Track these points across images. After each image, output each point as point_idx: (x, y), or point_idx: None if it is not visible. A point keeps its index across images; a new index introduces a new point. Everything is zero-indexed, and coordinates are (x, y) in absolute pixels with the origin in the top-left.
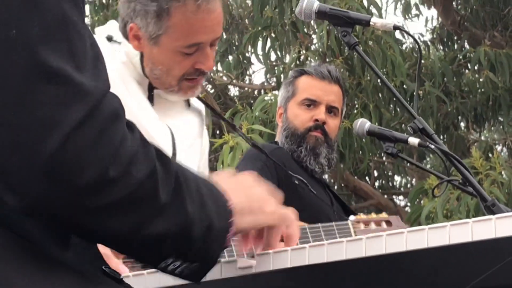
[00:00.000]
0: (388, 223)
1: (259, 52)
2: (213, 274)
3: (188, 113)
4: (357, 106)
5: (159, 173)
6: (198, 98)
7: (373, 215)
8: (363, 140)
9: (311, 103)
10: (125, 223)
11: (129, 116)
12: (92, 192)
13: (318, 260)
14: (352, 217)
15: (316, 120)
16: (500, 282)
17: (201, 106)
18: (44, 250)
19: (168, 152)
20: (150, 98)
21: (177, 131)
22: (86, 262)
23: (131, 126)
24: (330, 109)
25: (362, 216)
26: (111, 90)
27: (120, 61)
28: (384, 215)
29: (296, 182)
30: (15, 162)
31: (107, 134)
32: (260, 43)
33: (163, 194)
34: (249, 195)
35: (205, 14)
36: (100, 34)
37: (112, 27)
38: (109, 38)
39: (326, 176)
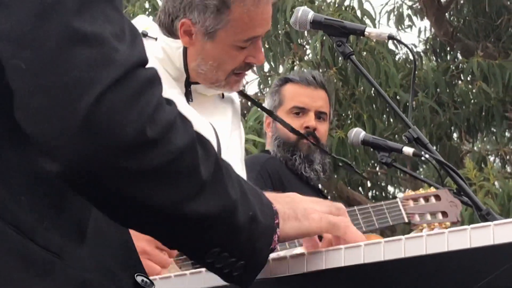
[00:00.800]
0: (437, 197)
1: None
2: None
3: (223, 105)
4: (351, 116)
5: (199, 150)
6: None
7: (421, 191)
8: (357, 150)
9: (299, 111)
10: (164, 195)
11: None
12: (129, 153)
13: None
14: (400, 195)
15: (307, 127)
16: None
17: (233, 94)
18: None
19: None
20: (187, 95)
21: (218, 128)
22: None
23: (169, 100)
24: (319, 115)
25: (410, 192)
26: None
27: (156, 57)
28: (432, 189)
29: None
30: (52, 125)
31: (143, 95)
32: None
33: (204, 171)
34: (293, 203)
35: (264, 6)
36: None
37: (144, 22)
38: (144, 34)
39: (320, 186)
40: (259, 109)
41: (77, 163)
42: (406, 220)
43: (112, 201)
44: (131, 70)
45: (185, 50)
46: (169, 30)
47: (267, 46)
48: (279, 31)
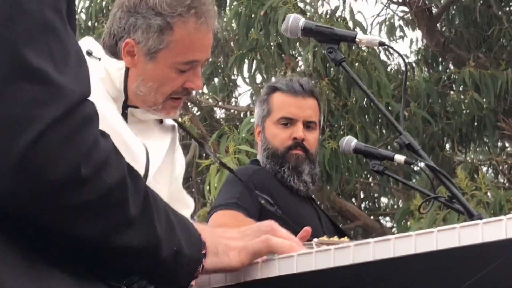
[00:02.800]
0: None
1: (245, 74)
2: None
3: (161, 130)
4: (343, 127)
5: (129, 185)
6: (175, 121)
7: (335, 239)
8: (350, 161)
9: (287, 122)
10: (93, 228)
11: (109, 130)
12: (62, 189)
13: (306, 268)
14: (315, 240)
15: (295, 138)
16: (488, 286)
17: (173, 122)
18: (41, 251)
19: (141, 171)
20: (124, 116)
21: (151, 149)
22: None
23: (104, 133)
24: (308, 124)
25: (325, 238)
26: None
27: (98, 77)
28: (346, 239)
29: (262, 201)
30: None
31: (80, 134)
32: (246, 66)
33: (132, 206)
34: (216, 238)
35: (204, 33)
36: None
37: (90, 42)
38: (89, 53)
39: (312, 196)
40: (251, 120)
41: (9, 196)
42: None
43: (42, 232)
44: (72, 107)
45: (126, 72)
46: (113, 52)
47: (259, 58)
48: (271, 43)
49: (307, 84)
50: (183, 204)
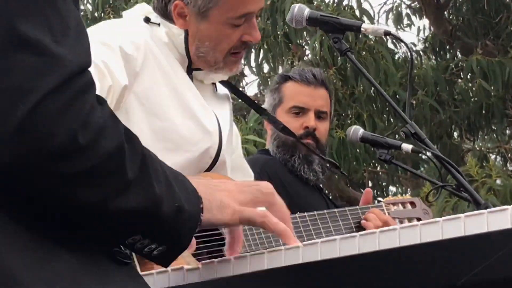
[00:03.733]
0: (412, 204)
1: (252, 63)
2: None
3: (218, 98)
4: (350, 116)
5: (126, 149)
6: (225, 83)
7: (399, 197)
8: (358, 150)
9: (299, 111)
10: (92, 194)
11: (180, 105)
12: (61, 158)
13: (312, 258)
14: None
15: (307, 127)
16: (493, 276)
17: (226, 91)
18: (46, 232)
19: (215, 143)
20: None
21: (220, 118)
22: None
23: (101, 100)
24: (319, 114)
25: (391, 198)
26: (159, 72)
27: (162, 42)
28: (408, 196)
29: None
30: None
31: (77, 103)
32: (253, 55)
33: (130, 170)
34: (212, 192)
35: None
36: (132, 17)
37: (145, 9)
38: (147, 20)
39: (321, 186)
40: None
41: (10, 165)
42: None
43: (42, 199)
44: (67, 79)
45: (186, 36)
46: (164, 14)
47: (266, 47)
48: (278, 32)
49: (320, 74)
50: (245, 173)
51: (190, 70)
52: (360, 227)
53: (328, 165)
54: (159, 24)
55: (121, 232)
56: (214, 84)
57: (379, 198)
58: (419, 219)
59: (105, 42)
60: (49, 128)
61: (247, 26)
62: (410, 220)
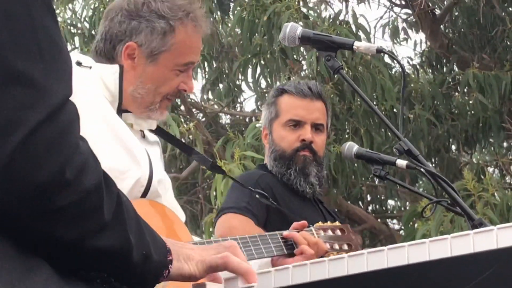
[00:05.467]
0: (342, 230)
1: (249, 79)
2: None
3: (148, 143)
4: (348, 130)
5: (104, 189)
6: (154, 131)
7: (329, 223)
8: (355, 164)
9: (296, 124)
10: (70, 231)
11: (113, 134)
12: (47, 192)
13: (302, 280)
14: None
15: (303, 140)
16: None
17: (155, 137)
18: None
19: (145, 174)
20: None
21: (150, 155)
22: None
23: (81, 137)
24: (316, 127)
25: (320, 224)
26: (102, 107)
27: (93, 84)
28: (337, 223)
29: (257, 196)
30: None
31: (64, 138)
32: (250, 71)
33: (106, 210)
34: (178, 248)
35: (199, 36)
36: None
37: (76, 54)
38: (79, 63)
39: (319, 199)
40: (257, 125)
41: None
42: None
43: (21, 230)
44: (54, 111)
45: (121, 75)
46: (108, 56)
47: (262, 63)
48: (275, 48)
49: (316, 87)
50: (178, 214)
51: (120, 112)
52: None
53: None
54: (90, 67)
55: (88, 266)
56: (141, 131)
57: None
58: (349, 245)
59: None
60: (37, 162)
61: (185, 75)
62: (340, 244)
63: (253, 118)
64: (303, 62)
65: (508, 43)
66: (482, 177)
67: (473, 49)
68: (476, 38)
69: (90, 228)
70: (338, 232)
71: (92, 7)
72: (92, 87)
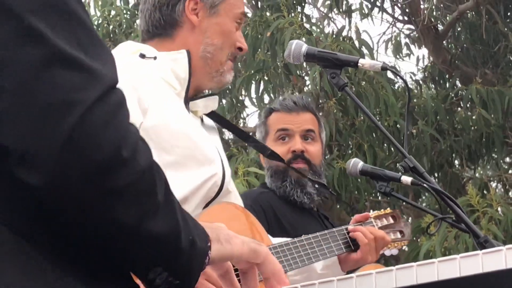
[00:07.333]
0: (394, 217)
1: (253, 95)
2: None
3: (208, 129)
4: (351, 146)
5: (155, 170)
6: (210, 114)
7: (382, 211)
8: (359, 180)
9: (284, 135)
10: (130, 213)
11: (185, 134)
12: (107, 171)
13: None
14: (370, 213)
15: (294, 151)
16: None
17: (212, 123)
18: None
19: (219, 172)
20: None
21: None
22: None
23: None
24: (306, 136)
25: (374, 212)
26: (164, 105)
27: (160, 76)
28: (388, 210)
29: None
30: (36, 143)
31: (117, 117)
32: (253, 86)
33: (159, 192)
34: (216, 229)
35: None
36: (123, 55)
37: (135, 45)
38: (142, 55)
39: (317, 210)
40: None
41: (58, 179)
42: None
43: (80, 216)
44: (106, 92)
45: (189, 60)
46: (170, 23)
47: (266, 79)
48: (278, 63)
49: (301, 99)
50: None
51: (187, 101)
52: (350, 246)
53: (317, 185)
54: (155, 58)
55: (146, 260)
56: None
57: (370, 212)
58: (401, 232)
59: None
60: (95, 140)
61: (239, 33)
62: (394, 233)
63: (241, 129)
64: (306, 78)
65: (511, 58)
66: (486, 192)
67: (476, 65)
68: (479, 53)
69: (147, 210)
70: (391, 219)
71: (95, 23)
72: (161, 83)
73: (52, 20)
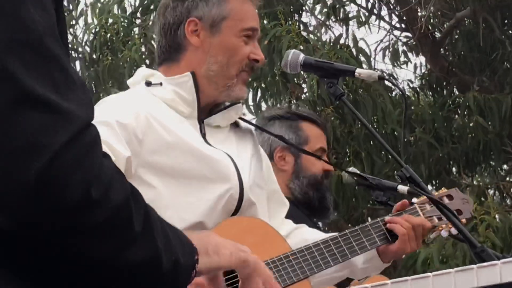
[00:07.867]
0: (450, 196)
1: (250, 102)
2: None
3: (239, 136)
4: (348, 154)
5: (132, 202)
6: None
7: (434, 193)
8: (356, 188)
9: (322, 155)
10: (104, 248)
11: (193, 157)
12: (76, 212)
13: None
14: (415, 200)
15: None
16: None
17: (250, 127)
18: None
19: (233, 175)
20: (200, 130)
21: (234, 154)
22: None
23: (105, 154)
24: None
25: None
26: (164, 132)
27: (164, 101)
28: (443, 190)
29: None
30: (4, 186)
31: (88, 157)
32: (251, 94)
33: (136, 222)
34: (204, 240)
35: (250, 3)
36: (134, 82)
37: (144, 72)
38: (148, 83)
39: (320, 224)
40: None
41: (27, 221)
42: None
43: (54, 253)
44: (77, 133)
45: (195, 81)
46: (174, 47)
47: (263, 86)
48: (275, 71)
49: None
50: (280, 203)
51: (201, 119)
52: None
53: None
54: (161, 84)
55: (120, 285)
56: (232, 124)
57: (414, 199)
58: (458, 211)
59: (103, 121)
60: (64, 183)
61: (253, 45)
62: (439, 218)
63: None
64: (304, 86)
65: (508, 66)
66: (483, 199)
67: (473, 72)
68: (476, 61)
69: (122, 243)
70: (446, 200)
71: (93, 31)
72: (163, 109)
73: (26, 59)
